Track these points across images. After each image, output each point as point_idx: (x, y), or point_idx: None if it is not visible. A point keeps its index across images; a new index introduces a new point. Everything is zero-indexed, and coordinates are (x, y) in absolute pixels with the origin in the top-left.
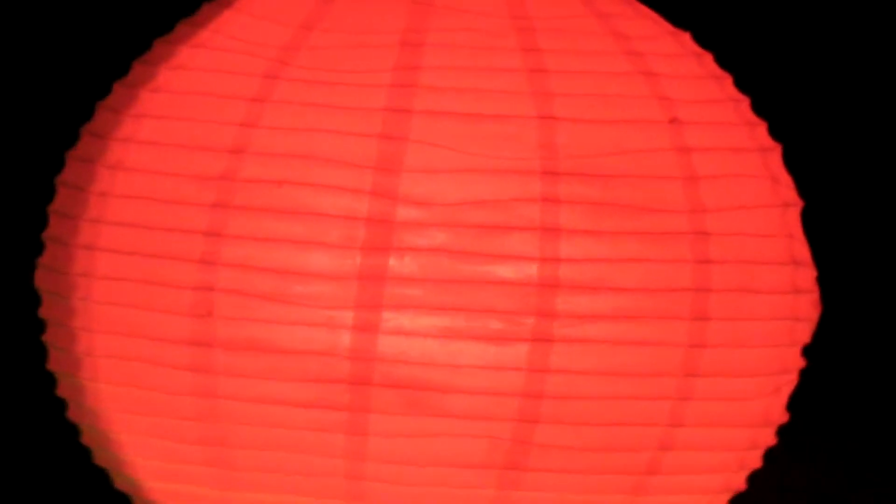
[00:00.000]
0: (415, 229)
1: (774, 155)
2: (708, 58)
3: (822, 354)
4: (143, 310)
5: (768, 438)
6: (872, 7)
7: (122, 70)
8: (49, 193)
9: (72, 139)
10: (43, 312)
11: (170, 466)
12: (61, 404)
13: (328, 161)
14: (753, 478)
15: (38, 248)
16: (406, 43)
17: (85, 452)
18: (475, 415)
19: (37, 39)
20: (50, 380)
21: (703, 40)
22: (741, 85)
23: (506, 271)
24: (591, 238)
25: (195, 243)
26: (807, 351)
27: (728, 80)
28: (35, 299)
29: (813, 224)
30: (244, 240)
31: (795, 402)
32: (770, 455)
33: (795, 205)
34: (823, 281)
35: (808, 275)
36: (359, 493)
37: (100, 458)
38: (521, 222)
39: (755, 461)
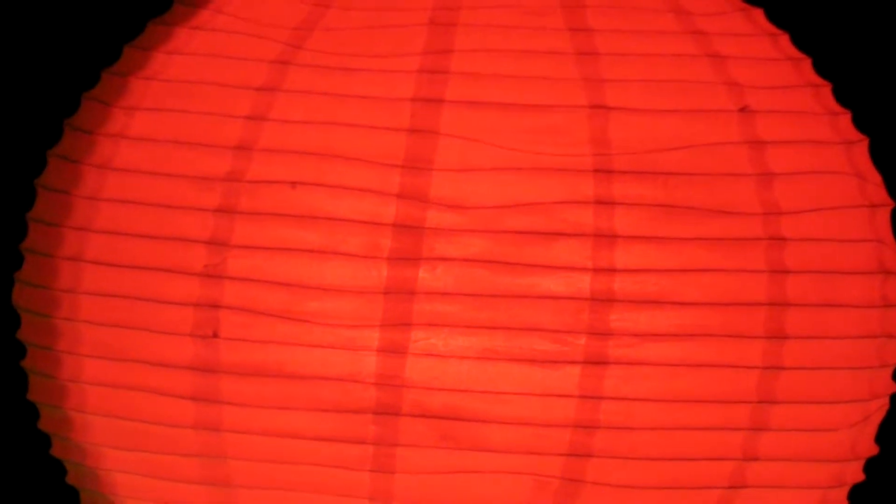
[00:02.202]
0: (448, 236)
1: (860, 148)
2: (784, 38)
3: None
4: (137, 330)
5: (855, 474)
6: None
7: (110, 56)
8: (28, 198)
9: (53, 135)
10: (22, 334)
11: None
12: (44, 439)
13: (348, 159)
14: None
15: (16, 260)
16: (436, 22)
17: (72, 494)
18: (519, 448)
19: (13, 19)
20: (31, 411)
21: (777, 18)
22: (822, 68)
23: (553, 284)
24: (650, 245)
25: (197, 254)
26: None
27: (807, 62)
28: (13, 319)
29: None
30: (252, 249)
31: (886, 433)
32: (857, 493)
33: (885, 205)
34: None
35: None
36: None
37: (88, 501)
38: (571, 228)
39: (840, 500)
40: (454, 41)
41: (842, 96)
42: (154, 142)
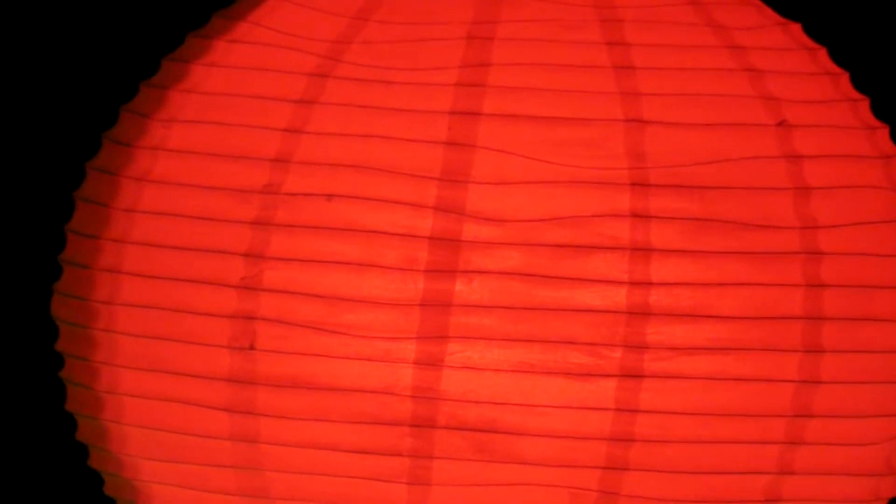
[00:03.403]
0: (484, 249)
1: None
2: (821, 52)
3: None
4: (174, 342)
5: (891, 488)
6: None
7: (149, 68)
8: (66, 209)
9: (92, 147)
10: (60, 345)
11: None
12: (81, 450)
13: (385, 171)
14: None
15: (56, 271)
16: (474, 36)
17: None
18: (554, 461)
19: (51, 32)
20: (69, 422)
21: (815, 32)
22: (860, 83)
23: (589, 297)
24: (686, 259)
25: (234, 266)
26: None
27: (844, 77)
28: (52, 330)
29: None
30: (289, 262)
31: None
32: None
33: None
34: None
35: None
36: None
37: None
38: (607, 241)
39: None
40: (492, 55)
41: (880, 111)
42: (192, 154)
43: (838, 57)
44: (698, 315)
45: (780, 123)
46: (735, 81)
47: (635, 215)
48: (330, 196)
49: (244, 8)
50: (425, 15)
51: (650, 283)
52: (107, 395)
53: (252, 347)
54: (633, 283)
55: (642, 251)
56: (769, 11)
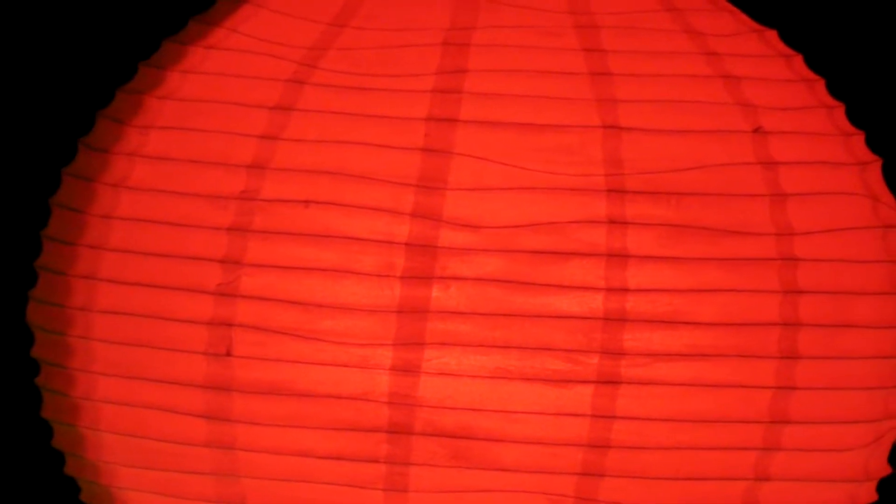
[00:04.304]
0: (461, 256)
1: (874, 169)
2: (797, 59)
3: None
4: (150, 348)
5: (868, 494)
6: None
7: (125, 74)
8: (42, 215)
9: (68, 153)
10: (36, 352)
11: None
12: (58, 457)
13: (362, 178)
14: None
15: (32, 278)
16: (450, 43)
17: None
18: (531, 467)
19: (28, 37)
20: (45, 429)
21: (791, 39)
22: (836, 90)
23: (566, 303)
24: (663, 265)
25: (210, 272)
26: None
27: (820, 84)
28: (28, 337)
29: None
30: (266, 268)
31: None
32: None
33: None
34: None
35: None
36: None
37: None
38: (584, 247)
39: None
40: (468, 61)
41: (855, 117)
42: (169, 160)
43: (814, 63)
44: (675, 321)
45: (757, 130)
46: (711, 88)
47: (612, 221)
48: (307, 202)
49: (221, 14)
50: (402, 21)
51: (627, 290)
52: (83, 401)
53: (229, 354)
54: (610, 290)
55: (619, 257)
56: (745, 18)
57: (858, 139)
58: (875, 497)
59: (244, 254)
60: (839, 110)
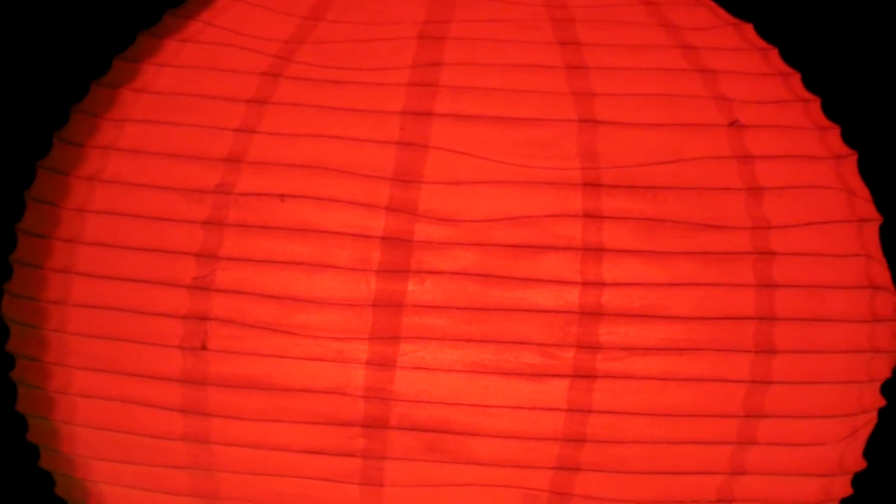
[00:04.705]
0: (437, 249)
1: (849, 163)
2: (773, 52)
3: None
4: (125, 342)
5: (843, 488)
6: None
7: (100, 68)
8: (17, 209)
9: (43, 147)
10: (11, 346)
11: None
12: (33, 451)
13: (338, 171)
14: None
15: (6, 271)
16: (426, 36)
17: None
18: (507, 461)
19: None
20: (20, 423)
21: (767, 33)
22: (811, 83)
23: (542, 297)
24: (639, 259)
25: (186, 266)
26: (886, 388)
27: (796, 77)
28: (3, 331)
29: (893, 243)
30: (242, 262)
31: (874, 447)
32: None
33: (873, 220)
34: None
35: (888, 300)
36: None
37: None
38: (560, 241)
39: None
40: (444, 54)
41: (831, 111)
42: (144, 154)
43: (790, 57)
44: (651, 315)
45: (733, 124)
46: (687, 82)
47: (588, 215)
48: (282, 196)
49: (196, 7)
50: (377, 14)
51: (603, 284)
52: (58, 395)
53: (204, 348)
54: (586, 284)
55: (595, 251)
56: (721, 12)
57: (834, 133)
58: (850, 491)
59: (220, 247)
60: (815, 104)
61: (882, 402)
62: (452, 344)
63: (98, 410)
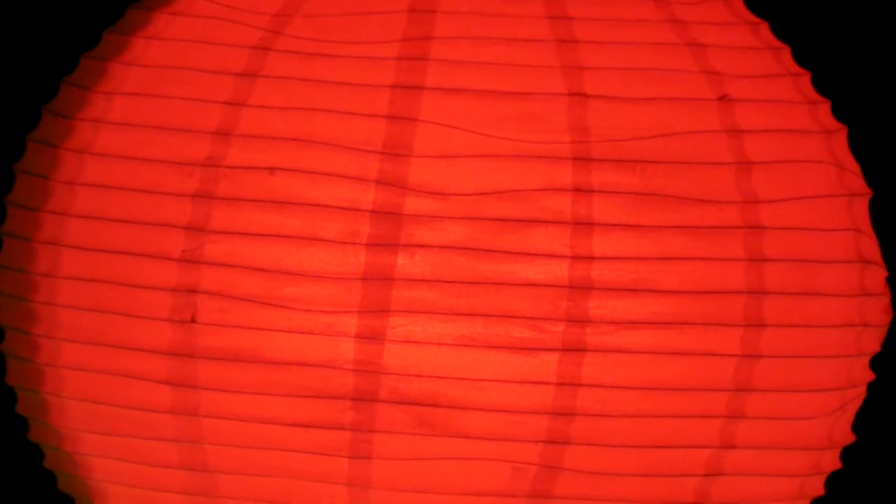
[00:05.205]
0: (427, 223)
1: (839, 137)
2: (763, 27)
3: (894, 366)
4: (114, 315)
5: (832, 462)
6: None
7: (89, 41)
8: (6, 182)
9: (32, 120)
10: (1, 318)
11: (145, 494)
12: (21, 423)
13: (327, 145)
14: None
15: None
16: (416, 9)
17: (49, 477)
18: (496, 435)
19: None
20: (9, 395)
21: (757, 7)
22: (802, 58)
23: (531, 271)
24: (628, 233)
25: (175, 239)
26: (875, 362)
27: (786, 51)
28: None
29: (883, 217)
30: (231, 235)
31: (863, 421)
32: (834, 481)
33: (863, 195)
34: (895, 282)
35: (877, 275)
36: None
37: (66, 485)
38: (549, 215)
39: (817, 488)
40: (434, 28)
41: (821, 85)
42: (133, 127)
43: (780, 31)
44: (640, 289)
45: (722, 98)
46: (677, 56)
47: (577, 189)
48: (272, 169)
49: None
50: None
51: (592, 258)
52: (47, 368)
53: (193, 320)
54: (575, 258)
55: (584, 225)
56: None
57: (824, 107)
58: (839, 465)
59: (209, 221)
60: (805, 78)
61: (871, 377)
62: (442, 317)
63: (87, 383)
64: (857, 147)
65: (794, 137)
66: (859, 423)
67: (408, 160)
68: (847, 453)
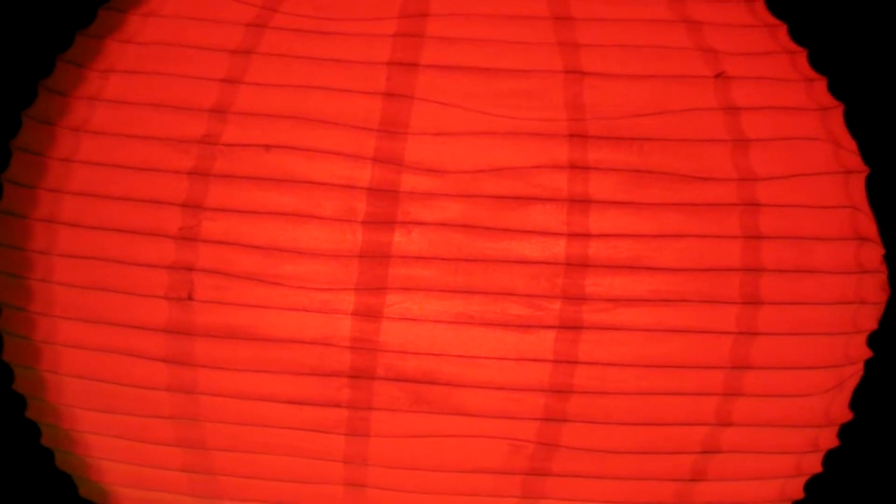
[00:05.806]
0: (423, 200)
1: (835, 115)
2: (759, 4)
3: (891, 343)
4: (111, 292)
5: (829, 440)
6: None
7: (85, 17)
8: (3, 159)
9: (28, 97)
10: None
11: (143, 471)
12: (19, 400)
13: (324, 122)
14: (812, 485)
15: None
16: None
17: (46, 455)
18: (493, 412)
19: None
20: (6, 372)
21: None
22: (798, 35)
23: (528, 248)
24: (625, 210)
25: (171, 216)
26: (873, 339)
27: (783, 29)
28: None
29: (880, 194)
30: (227, 212)
31: (860, 399)
32: (831, 459)
33: (860, 172)
34: (892, 259)
35: (874, 252)
36: (359, 501)
37: (63, 462)
38: (546, 192)
39: (814, 466)
40: (430, 5)
41: (817, 63)
42: (129, 104)
43: (776, 8)
44: (637, 266)
45: (719, 75)
46: (674, 33)
47: (574, 167)
48: (268, 147)
49: None
50: None
51: (589, 235)
52: (44, 345)
53: (190, 298)
54: (572, 235)
55: (581, 203)
56: None
57: (820, 85)
58: (836, 442)
59: (205, 198)
60: (801, 56)
61: (868, 354)
62: (438, 295)
63: (83, 360)
64: (854, 124)
65: (791, 115)
66: (857, 401)
67: (404, 137)
68: (845, 431)
